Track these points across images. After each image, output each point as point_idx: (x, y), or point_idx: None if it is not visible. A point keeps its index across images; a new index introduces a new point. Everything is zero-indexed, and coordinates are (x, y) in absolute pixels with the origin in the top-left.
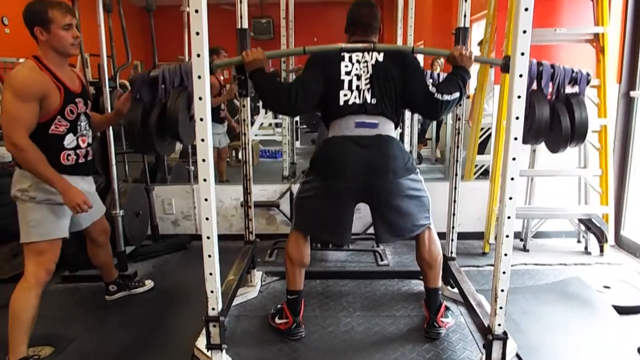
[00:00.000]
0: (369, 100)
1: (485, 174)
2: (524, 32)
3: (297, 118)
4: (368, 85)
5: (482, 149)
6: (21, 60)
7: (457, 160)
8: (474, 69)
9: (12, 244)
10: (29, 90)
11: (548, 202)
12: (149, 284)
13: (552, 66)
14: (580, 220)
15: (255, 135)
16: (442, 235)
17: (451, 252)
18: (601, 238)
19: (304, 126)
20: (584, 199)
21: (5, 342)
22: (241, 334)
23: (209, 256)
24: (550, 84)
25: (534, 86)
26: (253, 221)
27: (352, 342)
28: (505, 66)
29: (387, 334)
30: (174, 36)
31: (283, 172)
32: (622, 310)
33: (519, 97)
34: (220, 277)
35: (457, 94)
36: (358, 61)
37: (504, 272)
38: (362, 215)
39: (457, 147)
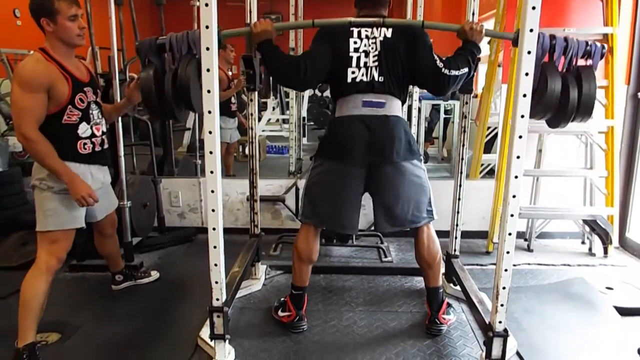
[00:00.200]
0: (376, 78)
1: (491, 173)
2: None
3: (305, 114)
4: (376, 63)
5: (488, 148)
6: (32, 52)
7: (462, 158)
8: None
9: (22, 233)
10: (35, 81)
11: (553, 203)
12: (155, 274)
13: (565, 39)
14: (585, 222)
15: (263, 130)
16: (446, 233)
17: (455, 250)
18: (606, 239)
19: (311, 123)
20: (589, 200)
21: (12, 329)
22: (244, 325)
23: (215, 247)
24: (562, 57)
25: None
26: (259, 215)
27: (354, 336)
28: (516, 40)
29: (389, 329)
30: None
31: (289, 167)
32: (623, 312)
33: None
34: (225, 269)
35: (465, 69)
36: (367, 37)
37: (505, 270)
38: (366, 212)
39: (463, 145)
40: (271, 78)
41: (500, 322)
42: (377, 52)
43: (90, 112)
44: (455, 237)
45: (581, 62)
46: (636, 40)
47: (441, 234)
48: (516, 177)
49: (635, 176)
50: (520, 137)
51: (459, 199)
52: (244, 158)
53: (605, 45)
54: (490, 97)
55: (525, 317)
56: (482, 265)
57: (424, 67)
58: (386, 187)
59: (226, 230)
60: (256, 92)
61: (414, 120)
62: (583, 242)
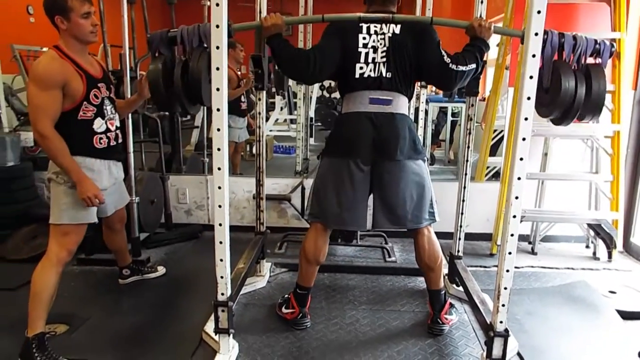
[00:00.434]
0: (384, 74)
1: (496, 176)
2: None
3: (312, 115)
4: (384, 59)
5: (494, 151)
6: (44, 49)
7: (467, 160)
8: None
9: (32, 226)
10: (50, 79)
11: (558, 206)
12: (161, 270)
13: (574, 37)
14: (590, 226)
15: (270, 130)
16: (451, 235)
17: (458, 251)
18: (610, 244)
19: (319, 123)
20: (594, 204)
21: (22, 319)
22: (248, 321)
23: (220, 243)
24: (572, 55)
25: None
26: (264, 212)
27: (357, 333)
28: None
29: (391, 327)
30: None
31: (296, 167)
32: (626, 315)
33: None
34: (230, 265)
35: (472, 65)
36: (376, 32)
37: (507, 271)
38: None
39: (468, 147)
40: (281, 74)
41: (501, 322)
42: (385, 48)
43: (105, 107)
44: (459, 239)
45: (590, 60)
46: None
47: (445, 235)
48: (519, 178)
49: None
50: (524, 139)
51: (463, 201)
52: (251, 157)
53: (615, 44)
54: (497, 99)
55: (527, 319)
56: (485, 267)
57: (431, 62)
58: (387, 183)
59: (232, 228)
60: (264, 92)
61: (421, 122)
62: (587, 246)
